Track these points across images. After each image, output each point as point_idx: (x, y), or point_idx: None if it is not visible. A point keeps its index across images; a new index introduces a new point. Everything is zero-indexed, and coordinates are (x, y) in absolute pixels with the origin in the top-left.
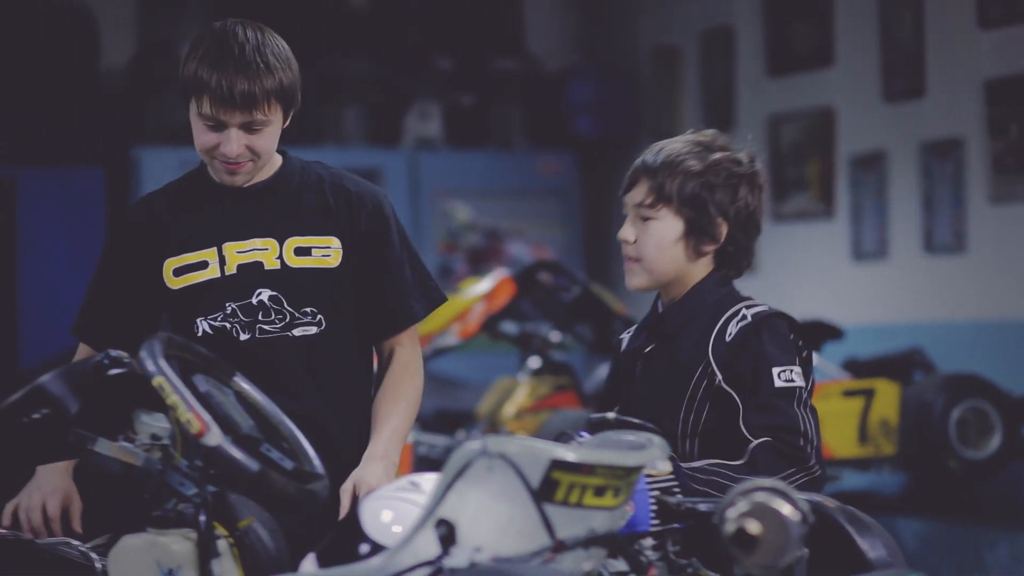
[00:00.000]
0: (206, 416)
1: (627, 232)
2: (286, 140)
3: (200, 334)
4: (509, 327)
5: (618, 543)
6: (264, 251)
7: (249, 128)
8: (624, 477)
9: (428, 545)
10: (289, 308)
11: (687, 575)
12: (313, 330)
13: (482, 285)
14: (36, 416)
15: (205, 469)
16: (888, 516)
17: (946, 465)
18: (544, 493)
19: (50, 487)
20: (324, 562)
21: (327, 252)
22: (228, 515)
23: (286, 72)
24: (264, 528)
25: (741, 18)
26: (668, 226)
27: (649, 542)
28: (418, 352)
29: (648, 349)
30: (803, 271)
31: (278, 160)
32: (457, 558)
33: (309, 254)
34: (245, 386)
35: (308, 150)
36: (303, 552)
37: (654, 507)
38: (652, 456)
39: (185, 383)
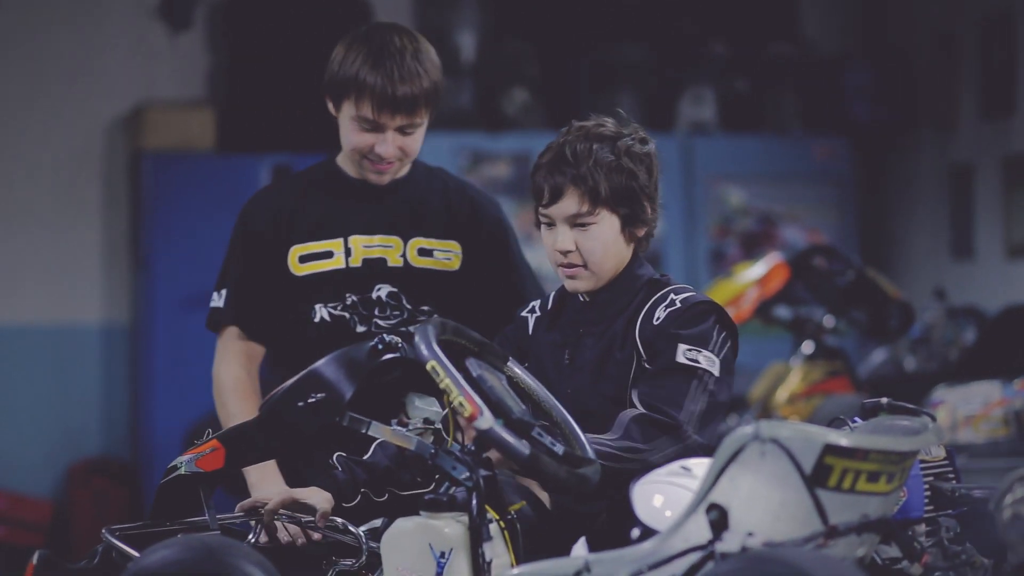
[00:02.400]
0: (478, 400)
1: (566, 242)
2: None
3: (318, 320)
4: (783, 312)
5: (891, 529)
6: (388, 248)
7: (403, 130)
8: (898, 463)
9: (700, 530)
10: (408, 305)
11: (961, 562)
12: None
13: (756, 269)
14: (311, 400)
15: (477, 453)
16: None
17: None
18: (817, 478)
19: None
20: (595, 546)
21: (448, 255)
22: (499, 499)
23: (437, 77)
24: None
25: (1022, 6)
26: (608, 227)
27: (923, 528)
28: None
29: (577, 337)
30: None
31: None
32: (729, 543)
33: (431, 255)
34: (518, 371)
35: None
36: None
37: (928, 493)
38: (926, 441)
39: (458, 367)
